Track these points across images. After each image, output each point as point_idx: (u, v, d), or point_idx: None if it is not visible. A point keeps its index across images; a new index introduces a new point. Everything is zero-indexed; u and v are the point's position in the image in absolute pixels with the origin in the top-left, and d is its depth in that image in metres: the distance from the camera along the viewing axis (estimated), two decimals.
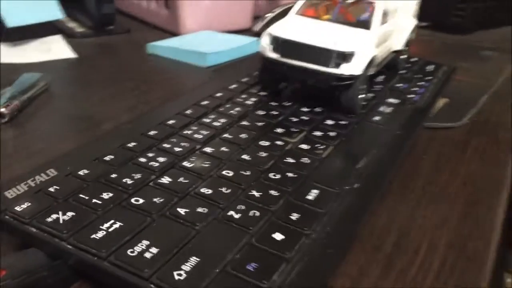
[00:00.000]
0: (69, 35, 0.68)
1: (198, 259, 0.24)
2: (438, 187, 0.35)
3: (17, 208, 0.26)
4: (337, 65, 0.38)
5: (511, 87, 0.56)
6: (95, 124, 0.43)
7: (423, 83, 0.50)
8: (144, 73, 0.57)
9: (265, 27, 0.71)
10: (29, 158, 0.37)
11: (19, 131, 0.41)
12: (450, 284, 0.26)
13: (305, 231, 0.27)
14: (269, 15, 0.70)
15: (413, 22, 0.52)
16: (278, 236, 0.26)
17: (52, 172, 0.30)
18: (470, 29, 0.81)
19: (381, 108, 0.43)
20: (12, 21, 0.59)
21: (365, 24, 0.40)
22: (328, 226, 0.28)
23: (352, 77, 0.38)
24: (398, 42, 0.49)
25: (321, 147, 0.36)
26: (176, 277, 0.23)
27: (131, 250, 0.24)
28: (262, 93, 0.44)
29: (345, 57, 0.38)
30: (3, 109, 0.42)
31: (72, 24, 0.72)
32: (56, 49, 0.62)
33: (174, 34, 0.70)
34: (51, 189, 0.28)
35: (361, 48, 0.38)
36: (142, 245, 0.24)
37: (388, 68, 0.49)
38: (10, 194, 0.27)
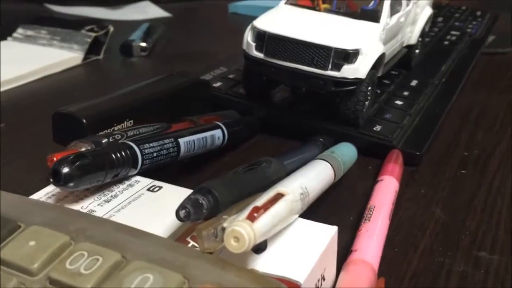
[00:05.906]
0: (154, 1, 0.78)
1: None
2: (503, 84, 0.45)
3: (215, 85, 0.37)
4: (337, 67, 0.30)
5: None
6: (213, 54, 0.53)
7: (474, 22, 0.60)
8: (234, 24, 0.67)
9: None
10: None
11: (160, 60, 0.52)
12: None
13: (416, 101, 0.37)
14: None
15: (429, 11, 0.44)
16: (399, 102, 0.37)
17: (223, 69, 0.40)
18: None
19: (447, 37, 0.53)
20: None
21: (372, 15, 0.33)
22: (430, 99, 0.38)
23: (356, 81, 0.31)
24: (411, 36, 0.41)
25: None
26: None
27: None
28: None
29: (347, 56, 0.30)
30: (144, 44, 0.53)
31: None
32: (151, 10, 0.73)
33: None
34: (230, 76, 0.39)
35: (367, 45, 0.31)
36: None
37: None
38: (205, 77, 0.38)
